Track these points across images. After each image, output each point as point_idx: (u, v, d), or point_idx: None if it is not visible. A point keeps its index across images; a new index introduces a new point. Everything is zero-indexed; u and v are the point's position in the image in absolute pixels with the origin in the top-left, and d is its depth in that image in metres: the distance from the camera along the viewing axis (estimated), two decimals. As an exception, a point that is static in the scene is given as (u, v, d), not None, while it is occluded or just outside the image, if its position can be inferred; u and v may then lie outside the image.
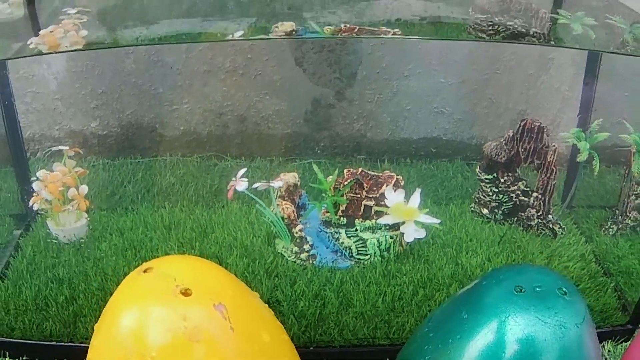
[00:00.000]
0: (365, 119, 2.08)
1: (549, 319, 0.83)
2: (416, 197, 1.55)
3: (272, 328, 0.90)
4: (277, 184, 1.57)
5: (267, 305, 0.96)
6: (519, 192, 1.70)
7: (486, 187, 1.71)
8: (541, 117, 1.75)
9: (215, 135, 2.10)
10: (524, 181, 1.71)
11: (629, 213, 1.72)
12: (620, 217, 1.74)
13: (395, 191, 1.56)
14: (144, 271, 0.86)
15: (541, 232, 1.69)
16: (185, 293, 0.81)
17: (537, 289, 0.86)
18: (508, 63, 2.00)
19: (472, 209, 1.76)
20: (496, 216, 1.72)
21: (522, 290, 0.86)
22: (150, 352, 0.78)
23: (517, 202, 1.71)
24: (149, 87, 2.03)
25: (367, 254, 1.55)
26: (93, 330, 1.31)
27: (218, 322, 0.81)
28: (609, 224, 1.76)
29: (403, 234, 1.52)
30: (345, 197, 1.58)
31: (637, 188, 1.71)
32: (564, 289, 0.87)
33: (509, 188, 1.70)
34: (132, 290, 0.84)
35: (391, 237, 1.55)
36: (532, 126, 1.64)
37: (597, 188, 1.92)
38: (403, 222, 1.53)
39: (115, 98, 2.05)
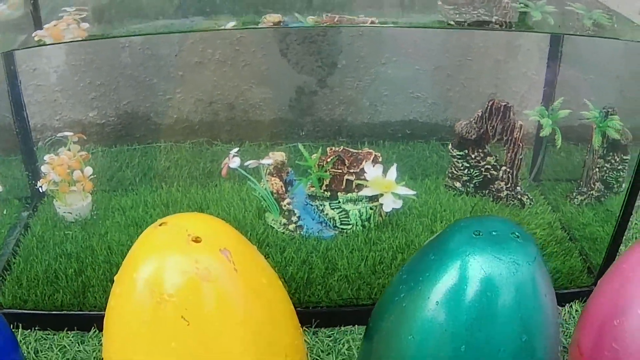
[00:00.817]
0: (346, 105, 2.22)
1: (504, 257, 0.97)
2: (393, 172, 1.70)
3: (269, 274, 1.05)
4: (266, 161, 1.72)
5: (263, 256, 1.10)
6: (489, 167, 1.85)
7: (458, 162, 1.86)
8: (509, 99, 1.90)
9: (207, 122, 2.23)
10: (493, 156, 1.85)
11: (594, 184, 1.86)
12: (584, 188, 1.88)
13: (374, 166, 1.71)
14: (159, 225, 1.00)
15: (510, 203, 1.83)
16: (196, 240, 0.95)
17: (493, 233, 1.01)
18: (478, 50, 2.15)
19: (446, 183, 1.91)
20: (468, 189, 1.87)
21: (480, 234, 1.00)
22: (168, 291, 0.92)
23: (487, 176, 1.86)
24: (143, 79, 2.16)
25: (349, 224, 1.69)
26: (101, 299, 1.45)
27: (224, 265, 0.95)
28: (574, 195, 1.89)
29: (382, 204, 1.67)
30: (328, 173, 1.73)
31: (600, 161, 1.85)
32: (516, 234, 1.01)
33: (479, 163, 1.85)
34: (149, 241, 0.98)
35: (371, 208, 1.70)
36: (499, 106, 1.79)
37: (565, 163, 2.05)
38: (381, 194, 1.68)
39: (112, 89, 2.18)
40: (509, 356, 0.97)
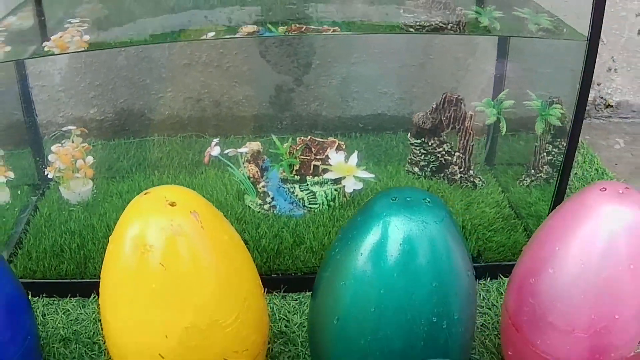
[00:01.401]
0: (320, 101, 2.46)
1: (414, 217, 1.19)
2: (354, 158, 1.94)
3: (231, 233, 1.28)
4: (243, 150, 1.96)
5: (227, 220, 1.34)
6: (444, 153, 2.09)
7: (416, 149, 2.09)
8: (468, 93, 2.13)
9: (195, 118, 2.47)
10: (447, 144, 2.08)
11: (542, 167, 2.05)
12: (533, 170, 2.08)
13: (337, 153, 1.95)
14: (144, 194, 1.23)
15: (463, 185, 2.07)
16: (172, 205, 1.19)
17: (408, 199, 1.23)
18: (439, 50, 2.39)
19: (407, 168, 2.14)
20: (425, 173, 2.10)
21: (397, 200, 1.23)
22: (150, 243, 1.16)
23: (442, 161, 2.09)
24: (138, 79, 2.41)
25: (316, 204, 1.93)
26: (100, 268, 1.68)
27: (193, 223, 1.18)
28: (523, 177, 2.10)
29: (344, 186, 1.91)
30: (297, 159, 1.97)
31: (548, 146, 2.05)
32: (428, 199, 1.24)
33: (435, 150, 2.08)
34: (136, 206, 1.22)
35: (335, 190, 1.93)
36: (452, 98, 2.03)
37: (518, 148, 2.25)
38: (344, 177, 1.92)
39: (110, 89, 2.42)
40: (422, 299, 1.19)
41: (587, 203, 1.30)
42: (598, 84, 2.80)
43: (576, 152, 2.32)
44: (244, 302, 1.26)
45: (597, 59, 2.64)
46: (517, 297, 1.43)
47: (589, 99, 2.60)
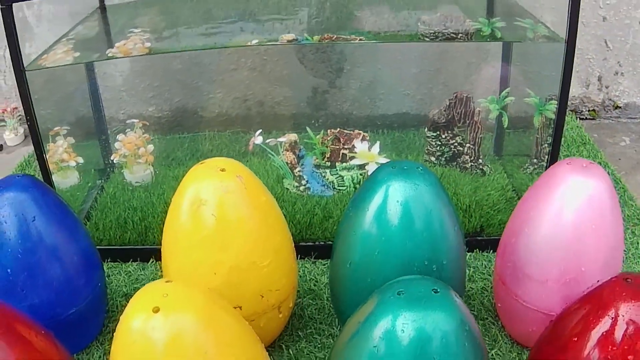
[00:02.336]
0: (351, 101, 2.78)
1: (409, 181, 1.49)
2: (376, 147, 2.26)
3: (268, 196, 1.60)
4: (282, 139, 2.29)
5: (267, 189, 1.66)
6: (456, 144, 2.39)
7: (432, 142, 2.40)
8: (477, 92, 2.42)
9: (241, 115, 2.81)
10: (459, 136, 2.38)
11: (543, 157, 2.28)
12: (535, 159, 2.34)
13: (362, 142, 2.27)
14: (200, 164, 1.57)
15: (473, 172, 2.36)
16: (222, 170, 1.52)
17: (404, 167, 1.53)
18: (453, 56, 2.69)
19: (424, 158, 2.44)
20: (440, 162, 2.40)
21: (395, 168, 1.54)
22: (205, 199, 1.48)
23: (455, 152, 2.39)
24: (191, 82, 2.76)
25: (344, 186, 2.25)
26: (159, 237, 2.01)
27: (238, 185, 1.51)
28: (527, 166, 2.38)
29: (368, 171, 2.23)
30: (328, 148, 2.29)
31: (548, 138, 2.30)
32: (420, 168, 1.54)
33: (449, 142, 2.39)
34: (193, 172, 1.55)
35: (361, 174, 2.25)
36: (462, 96, 2.33)
37: (523, 141, 2.53)
38: (368, 163, 2.24)
39: (167, 90, 2.77)
40: (415, 245, 1.48)
41: (557, 175, 1.59)
42: (606, 87, 3.07)
43: (580, 146, 2.61)
44: (276, 250, 1.59)
45: (604, 64, 2.95)
46: (502, 255, 1.72)
47: (598, 100, 2.91)
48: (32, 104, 1.90)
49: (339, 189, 2.25)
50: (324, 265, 2.07)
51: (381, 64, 2.72)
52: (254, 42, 2.11)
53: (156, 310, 1.15)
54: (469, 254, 2.10)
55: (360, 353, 1.17)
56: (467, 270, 2.01)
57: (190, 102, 2.80)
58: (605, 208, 1.54)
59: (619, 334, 1.21)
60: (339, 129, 2.33)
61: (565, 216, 1.55)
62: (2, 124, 3.16)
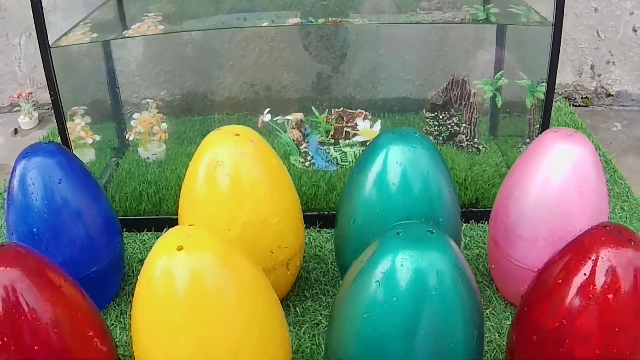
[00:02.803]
0: (354, 86, 2.91)
1: (408, 145, 1.60)
2: (377, 125, 2.39)
3: (278, 160, 1.74)
4: (289, 117, 2.42)
5: (277, 154, 1.79)
6: (453, 124, 2.52)
7: (430, 122, 2.53)
8: (474, 75, 2.55)
9: (249, 99, 2.95)
10: (456, 117, 2.52)
11: (535, 136, 2.40)
12: (528, 139, 2.47)
13: (363, 121, 2.40)
14: (217, 130, 1.70)
15: (469, 150, 2.49)
16: (237, 135, 1.65)
17: (403, 133, 1.66)
18: (452, 44, 2.83)
19: (423, 138, 2.57)
20: (438, 141, 2.53)
21: (394, 133, 1.67)
22: (221, 160, 1.61)
23: (452, 131, 2.52)
24: (202, 67, 2.89)
25: (347, 161, 2.38)
26: (172, 207, 2.14)
27: (251, 149, 1.64)
28: (520, 145, 2.51)
29: (370, 147, 2.36)
30: (332, 126, 2.43)
31: (539, 119, 2.43)
32: (417, 134, 1.67)
33: (446, 122, 2.52)
34: (210, 137, 1.67)
35: (362, 150, 2.38)
36: (458, 79, 2.47)
37: (517, 122, 2.64)
38: (369, 140, 2.37)
39: (178, 75, 2.91)
40: (412, 203, 1.60)
41: (544, 143, 1.73)
42: (599, 75, 3.20)
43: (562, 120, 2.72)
44: (286, 209, 1.72)
45: (596, 53, 3.08)
46: (495, 218, 1.85)
47: (591, 88, 3.04)
48: (55, 79, 2.03)
49: (342, 164, 2.38)
50: (328, 233, 2.20)
51: (382, 51, 2.85)
52: (265, 23, 2.24)
53: (180, 248, 1.28)
54: (465, 224, 2.23)
55: (364, 288, 1.30)
56: (463, 239, 2.14)
57: (200, 86, 2.93)
58: (589, 172, 1.68)
59: (599, 275, 1.33)
60: (342, 108, 2.46)
61: (552, 180, 1.68)
62: (17, 108, 3.29)
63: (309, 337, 1.82)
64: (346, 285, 1.37)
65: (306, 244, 2.13)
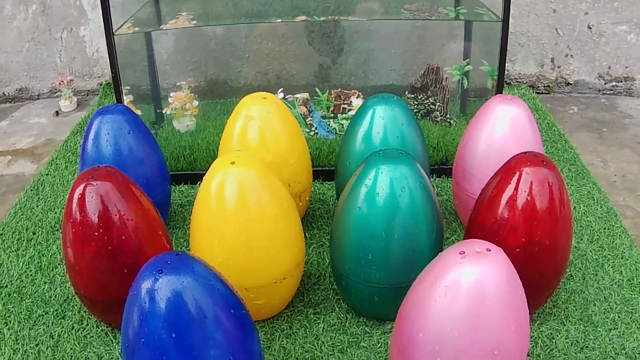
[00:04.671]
0: (349, 75, 3.51)
1: (387, 105, 2.24)
2: (369, 101, 2.98)
3: (294, 119, 2.33)
4: (297, 96, 3.02)
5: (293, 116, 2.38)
6: (429, 103, 3.11)
7: (411, 102, 3.12)
8: (448, 64, 3.15)
9: (263, 85, 3.53)
10: (432, 97, 3.11)
11: None
12: None
13: (357, 99, 2.99)
14: (248, 96, 2.29)
15: (443, 124, 3.08)
16: (265, 98, 2.24)
17: (385, 97, 2.25)
18: (430, 39, 3.43)
19: (405, 115, 3.16)
20: (417, 117, 3.11)
21: (377, 98, 2.26)
22: (253, 115, 2.20)
23: (429, 109, 3.12)
24: (223, 58, 3.48)
25: (344, 131, 2.97)
26: (204, 165, 2.71)
27: (275, 108, 2.23)
28: None
29: (362, 119, 2.95)
30: (332, 103, 3.02)
31: None
32: (395, 98, 2.26)
33: (424, 102, 3.11)
34: (243, 101, 2.25)
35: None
36: (433, 67, 3.06)
37: (482, 102, 3.22)
38: (362, 113, 2.96)
39: (203, 64, 3.50)
40: (392, 145, 2.21)
41: (490, 105, 2.31)
42: (558, 67, 3.80)
43: (533, 112, 3.30)
44: (300, 152, 2.31)
45: (556, 48, 3.68)
46: (456, 163, 2.44)
47: (552, 77, 3.64)
48: (116, 59, 2.62)
49: (340, 134, 2.97)
50: (330, 184, 2.79)
51: (373, 46, 3.46)
52: (278, 20, 2.84)
53: (233, 163, 1.86)
54: (437, 179, 2.82)
55: (357, 190, 1.89)
56: (435, 188, 2.73)
57: (221, 74, 3.52)
58: (524, 125, 2.25)
59: (522, 185, 1.89)
60: (340, 89, 3.06)
61: (497, 131, 2.26)
62: (58, 94, 3.88)
63: (315, 253, 2.40)
64: (344, 193, 1.96)
65: (312, 192, 2.72)
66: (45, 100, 3.99)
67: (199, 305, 1.48)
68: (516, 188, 1.91)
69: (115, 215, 1.88)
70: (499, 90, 2.67)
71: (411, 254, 1.87)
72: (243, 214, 1.86)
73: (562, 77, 3.82)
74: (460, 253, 1.52)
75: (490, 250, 1.52)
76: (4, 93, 3.96)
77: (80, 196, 1.88)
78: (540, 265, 1.94)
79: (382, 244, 1.87)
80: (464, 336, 1.50)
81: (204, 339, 1.49)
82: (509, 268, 1.51)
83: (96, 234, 1.87)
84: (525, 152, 1.98)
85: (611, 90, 3.82)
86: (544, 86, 3.85)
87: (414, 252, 1.87)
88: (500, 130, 2.26)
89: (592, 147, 3.26)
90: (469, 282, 1.48)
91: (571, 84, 3.84)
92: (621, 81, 3.79)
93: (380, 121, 2.22)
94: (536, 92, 3.82)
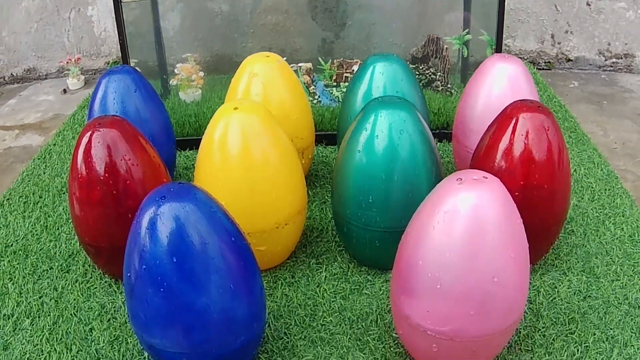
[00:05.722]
0: (352, 49, 3.54)
1: (387, 61, 2.29)
2: (371, 69, 3.03)
3: (295, 77, 2.38)
4: (301, 64, 3.06)
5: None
6: (430, 73, 3.16)
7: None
8: (449, 35, 3.19)
9: (266, 60, 3.58)
10: (433, 67, 3.16)
11: None
12: None
13: (358, 68, 3.03)
14: (253, 55, 2.34)
15: (444, 93, 3.13)
16: (268, 57, 2.29)
17: (385, 55, 2.31)
18: (430, 11, 3.47)
19: (407, 85, 3.21)
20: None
21: (378, 56, 2.31)
22: (256, 72, 2.25)
23: (430, 79, 3.16)
24: (229, 34, 3.53)
25: (346, 98, 3.02)
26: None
27: (278, 65, 2.29)
28: None
29: (364, 87, 3.00)
30: (334, 72, 3.07)
31: None
32: (394, 56, 2.32)
33: (425, 72, 3.16)
34: (248, 59, 2.32)
35: (359, 90, 3.02)
36: (434, 37, 3.11)
37: None
38: (364, 81, 3.01)
39: (208, 40, 3.54)
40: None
41: (487, 64, 2.36)
42: (558, 43, 3.84)
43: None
44: (301, 108, 2.36)
45: (556, 24, 3.72)
46: (456, 121, 2.48)
47: (552, 54, 3.68)
48: (124, 26, 2.67)
49: (342, 101, 3.01)
50: (332, 148, 2.84)
51: (374, 20, 3.50)
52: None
53: (235, 108, 1.91)
54: (438, 143, 2.86)
55: (358, 134, 1.94)
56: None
57: (227, 50, 3.56)
58: (520, 82, 2.29)
59: (519, 130, 1.94)
60: (342, 59, 3.10)
61: (494, 88, 2.31)
62: (66, 72, 3.94)
63: (318, 210, 2.45)
64: (345, 138, 2.01)
65: (314, 155, 2.76)
66: (53, 80, 4.05)
67: (200, 231, 1.52)
68: (513, 133, 1.95)
69: (121, 160, 1.94)
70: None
71: (410, 197, 1.91)
72: (246, 158, 1.91)
73: (562, 54, 3.86)
74: (457, 180, 1.56)
75: (487, 178, 1.56)
76: (12, 74, 4.02)
77: (87, 142, 1.93)
78: (540, 209, 1.98)
79: (382, 186, 1.91)
80: (463, 262, 1.54)
81: (205, 264, 1.53)
82: (506, 195, 1.56)
83: (102, 178, 1.92)
84: (522, 100, 2.02)
85: (611, 66, 3.86)
86: (545, 62, 3.89)
87: (414, 194, 1.91)
88: (498, 86, 2.30)
89: (592, 118, 3.30)
90: (467, 207, 1.52)
91: (571, 60, 3.88)
92: (621, 58, 3.83)
93: (380, 77, 2.27)
94: (537, 68, 3.86)
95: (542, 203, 1.98)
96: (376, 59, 2.30)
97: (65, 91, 3.82)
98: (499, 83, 2.30)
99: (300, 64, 3.06)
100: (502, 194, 1.55)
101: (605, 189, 2.57)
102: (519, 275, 1.61)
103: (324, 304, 2.01)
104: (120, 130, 1.96)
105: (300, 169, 2.05)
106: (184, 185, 1.58)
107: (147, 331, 1.61)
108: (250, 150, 1.90)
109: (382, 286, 2.07)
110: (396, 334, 1.87)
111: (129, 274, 1.57)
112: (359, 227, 1.99)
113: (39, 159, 2.95)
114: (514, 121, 1.96)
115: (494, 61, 2.34)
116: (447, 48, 3.08)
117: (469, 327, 1.60)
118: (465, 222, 1.52)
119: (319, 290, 2.07)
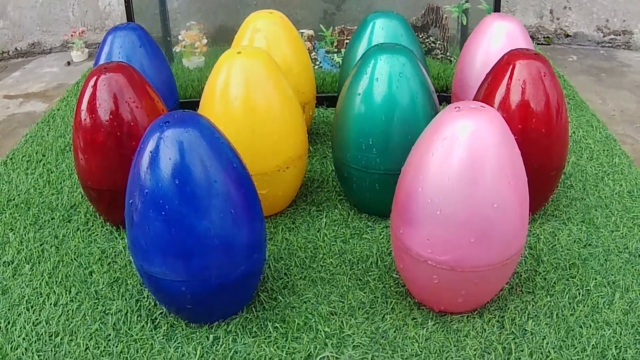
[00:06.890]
0: (353, 21, 3.59)
1: (388, 17, 2.33)
2: (372, 35, 3.07)
3: (297, 33, 2.42)
4: (303, 31, 3.10)
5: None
6: (430, 42, 3.20)
7: (413, 39, 3.21)
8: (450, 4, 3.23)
9: (268, 32, 3.62)
10: (433, 36, 3.20)
11: None
12: None
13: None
14: (256, 12, 2.38)
15: (444, 61, 3.17)
16: (271, 13, 2.33)
17: (384, 12, 2.36)
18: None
19: (407, 53, 3.25)
20: (419, 55, 3.20)
21: (378, 12, 2.36)
22: (259, 28, 2.29)
23: (430, 47, 3.20)
24: (232, 6, 3.57)
25: (347, 64, 3.06)
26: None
27: (280, 21, 2.33)
28: None
29: (365, 52, 3.04)
30: (335, 38, 3.11)
31: None
32: (394, 13, 2.36)
33: (425, 40, 3.20)
34: (252, 16, 2.36)
35: (360, 55, 3.06)
36: (433, 7, 3.15)
37: None
38: (365, 46, 3.05)
39: (212, 12, 3.58)
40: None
41: (485, 22, 2.40)
42: (557, 19, 3.88)
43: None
44: (303, 64, 2.40)
45: (554, 0, 3.75)
46: (455, 77, 2.52)
47: (551, 29, 3.71)
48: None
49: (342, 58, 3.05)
50: (333, 110, 2.87)
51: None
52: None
53: (239, 53, 1.95)
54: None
55: (359, 78, 1.98)
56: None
57: (230, 21, 3.59)
58: (517, 37, 2.33)
59: (516, 75, 1.98)
60: (343, 25, 3.14)
61: (492, 45, 2.34)
62: (70, 45, 3.97)
63: (319, 164, 2.49)
64: (346, 84, 2.05)
65: (315, 116, 2.80)
66: (57, 54, 4.09)
67: (202, 155, 1.55)
68: (510, 78, 1.99)
69: (125, 103, 1.98)
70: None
71: (410, 139, 1.94)
72: (248, 100, 1.95)
73: (561, 29, 3.90)
74: (455, 108, 1.59)
75: (484, 107, 1.59)
76: (16, 48, 4.06)
77: (92, 86, 1.97)
78: (539, 154, 2.01)
79: (381, 128, 1.95)
80: (463, 187, 1.57)
81: (207, 188, 1.56)
82: (503, 124, 1.59)
83: (106, 120, 1.95)
84: (518, 48, 2.06)
85: (610, 43, 3.90)
86: (544, 37, 3.93)
87: (413, 137, 1.93)
88: (496, 43, 2.34)
89: (591, 88, 3.34)
90: (466, 134, 1.55)
91: (570, 36, 3.92)
92: (619, 34, 3.87)
93: (380, 32, 2.31)
94: (536, 43, 3.90)
95: (540, 147, 2.01)
96: (376, 16, 2.35)
97: (69, 63, 3.86)
98: (497, 40, 2.33)
99: (302, 31, 3.09)
100: (499, 122, 1.58)
101: (604, 150, 2.61)
102: (518, 205, 1.63)
103: (324, 247, 2.05)
104: (125, 75, 2.00)
105: (301, 115, 2.09)
106: (188, 113, 1.61)
107: (147, 259, 1.64)
108: (252, 94, 1.94)
109: (382, 231, 2.11)
110: (396, 272, 1.90)
111: (131, 201, 1.60)
112: (359, 170, 2.02)
113: (42, 122, 2.99)
114: (510, 67, 2.00)
115: (492, 19, 2.38)
116: (446, 17, 3.12)
117: (469, 255, 1.63)
118: (464, 148, 1.55)
119: (319, 235, 2.10)
